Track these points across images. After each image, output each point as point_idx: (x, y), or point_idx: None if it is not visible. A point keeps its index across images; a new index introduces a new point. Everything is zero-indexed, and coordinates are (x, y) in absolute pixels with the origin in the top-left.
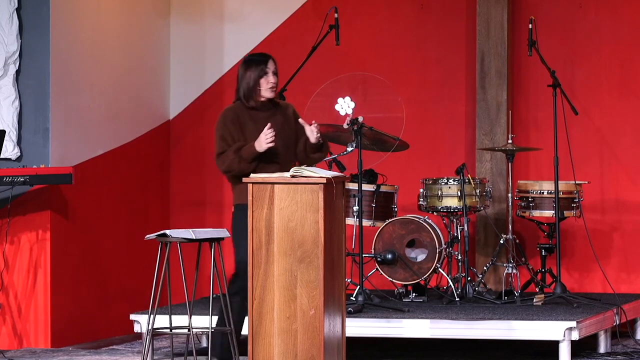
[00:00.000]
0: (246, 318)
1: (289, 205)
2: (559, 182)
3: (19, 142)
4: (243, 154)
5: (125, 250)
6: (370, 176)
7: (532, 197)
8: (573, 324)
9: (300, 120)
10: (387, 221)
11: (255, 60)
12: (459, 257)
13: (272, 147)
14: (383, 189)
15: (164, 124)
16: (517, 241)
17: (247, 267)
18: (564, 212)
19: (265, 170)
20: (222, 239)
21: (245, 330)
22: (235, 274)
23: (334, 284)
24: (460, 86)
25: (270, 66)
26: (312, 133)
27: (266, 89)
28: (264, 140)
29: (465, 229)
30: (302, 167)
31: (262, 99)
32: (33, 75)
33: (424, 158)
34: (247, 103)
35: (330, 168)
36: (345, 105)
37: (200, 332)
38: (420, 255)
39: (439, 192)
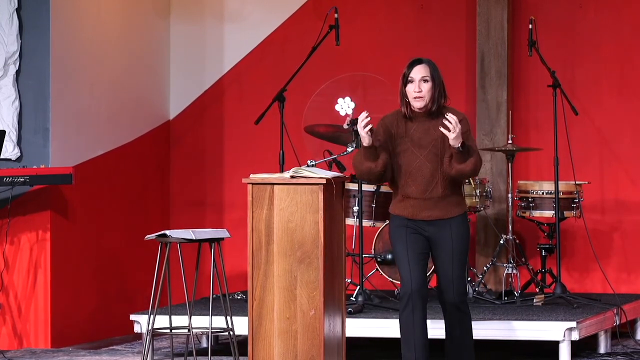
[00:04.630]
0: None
1: (288, 206)
2: (559, 182)
3: (19, 142)
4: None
5: (125, 251)
6: None
7: (532, 198)
8: (573, 324)
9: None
10: (387, 221)
11: (407, 67)
12: None
13: (414, 165)
14: (383, 189)
15: (164, 124)
16: (517, 241)
17: (405, 280)
18: (564, 212)
19: (413, 182)
20: (222, 239)
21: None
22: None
23: (334, 284)
24: (460, 86)
25: (416, 73)
26: (448, 133)
27: (412, 99)
28: (358, 124)
29: None
30: (302, 167)
31: (417, 110)
32: (33, 75)
33: None
34: (406, 113)
35: (330, 168)
36: (345, 106)
37: (200, 332)
38: None
39: None
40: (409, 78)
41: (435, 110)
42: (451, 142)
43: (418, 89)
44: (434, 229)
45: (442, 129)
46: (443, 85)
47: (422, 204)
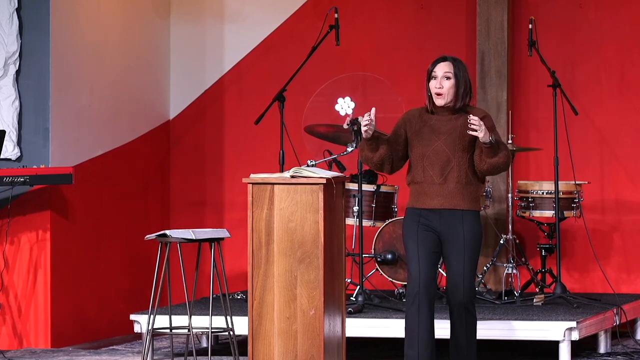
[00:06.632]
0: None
1: (289, 206)
2: (559, 182)
3: (19, 142)
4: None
5: (125, 250)
6: (370, 176)
7: (532, 197)
8: (573, 324)
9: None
10: (387, 221)
11: (431, 63)
12: None
13: (432, 148)
14: (383, 189)
15: (164, 124)
16: (517, 241)
17: (413, 277)
18: (564, 212)
19: (429, 165)
20: (222, 239)
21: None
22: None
23: (334, 284)
24: None
25: (439, 70)
26: (476, 133)
27: (433, 95)
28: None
29: None
30: (303, 167)
31: (440, 105)
32: (33, 75)
33: None
34: (429, 107)
35: (330, 168)
36: (345, 106)
37: (200, 332)
38: None
39: None
40: (432, 74)
41: (459, 108)
42: (481, 140)
43: (439, 85)
44: (445, 224)
45: (470, 132)
46: (469, 84)
47: (436, 189)
